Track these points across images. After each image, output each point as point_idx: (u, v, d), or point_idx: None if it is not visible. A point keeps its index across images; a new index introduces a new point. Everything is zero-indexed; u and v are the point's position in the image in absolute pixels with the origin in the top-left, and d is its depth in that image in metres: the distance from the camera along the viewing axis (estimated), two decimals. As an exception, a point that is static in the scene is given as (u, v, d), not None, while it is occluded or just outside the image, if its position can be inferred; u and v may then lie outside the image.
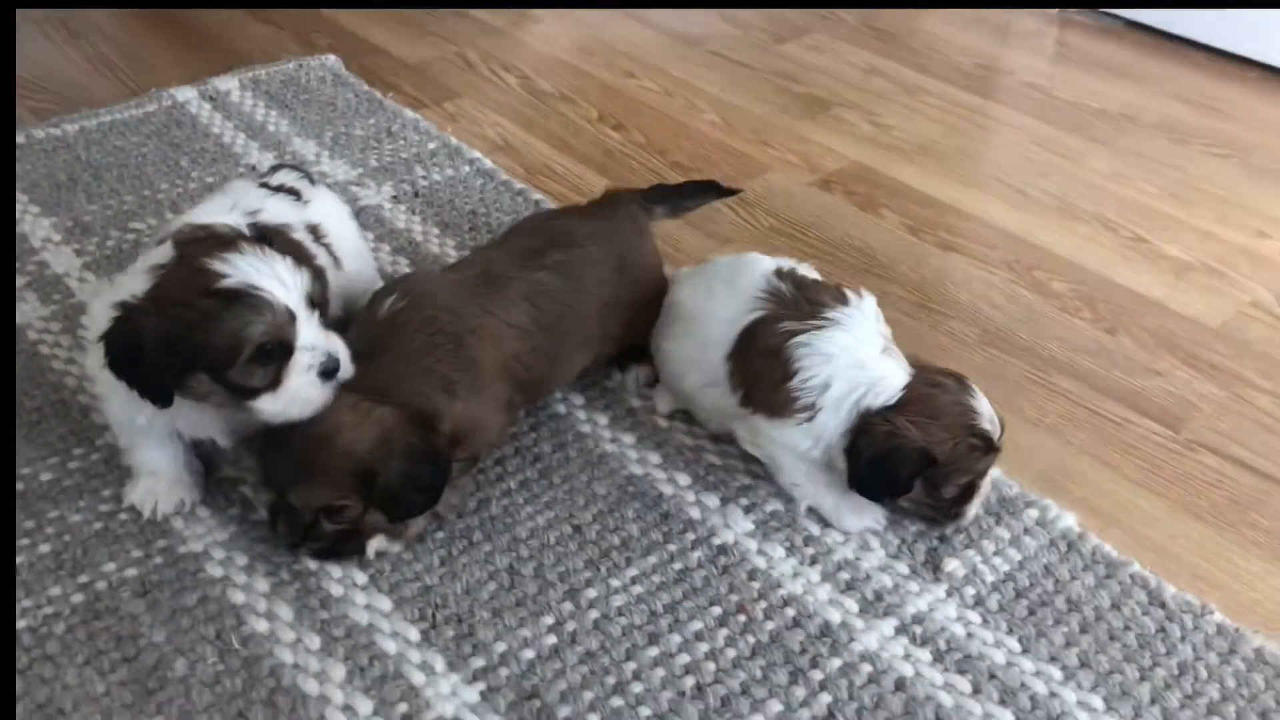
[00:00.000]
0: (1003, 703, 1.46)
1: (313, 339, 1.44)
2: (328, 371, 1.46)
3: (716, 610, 1.57)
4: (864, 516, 1.68)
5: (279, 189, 1.81)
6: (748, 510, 1.71)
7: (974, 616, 1.57)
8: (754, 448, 1.72)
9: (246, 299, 1.38)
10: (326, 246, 1.78)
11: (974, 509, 1.66)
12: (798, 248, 2.28)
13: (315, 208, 1.83)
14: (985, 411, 1.62)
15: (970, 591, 1.60)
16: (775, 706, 1.45)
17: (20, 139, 2.51)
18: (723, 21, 3.30)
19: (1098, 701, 1.46)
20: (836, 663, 1.50)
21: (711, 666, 1.49)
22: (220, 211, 1.65)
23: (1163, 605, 1.59)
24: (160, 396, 1.42)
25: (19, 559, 1.57)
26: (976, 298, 2.20)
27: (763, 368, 1.65)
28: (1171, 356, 2.07)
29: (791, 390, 1.63)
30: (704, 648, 1.52)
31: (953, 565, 1.64)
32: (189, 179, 2.41)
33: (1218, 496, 1.79)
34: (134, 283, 1.45)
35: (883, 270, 2.26)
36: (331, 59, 2.93)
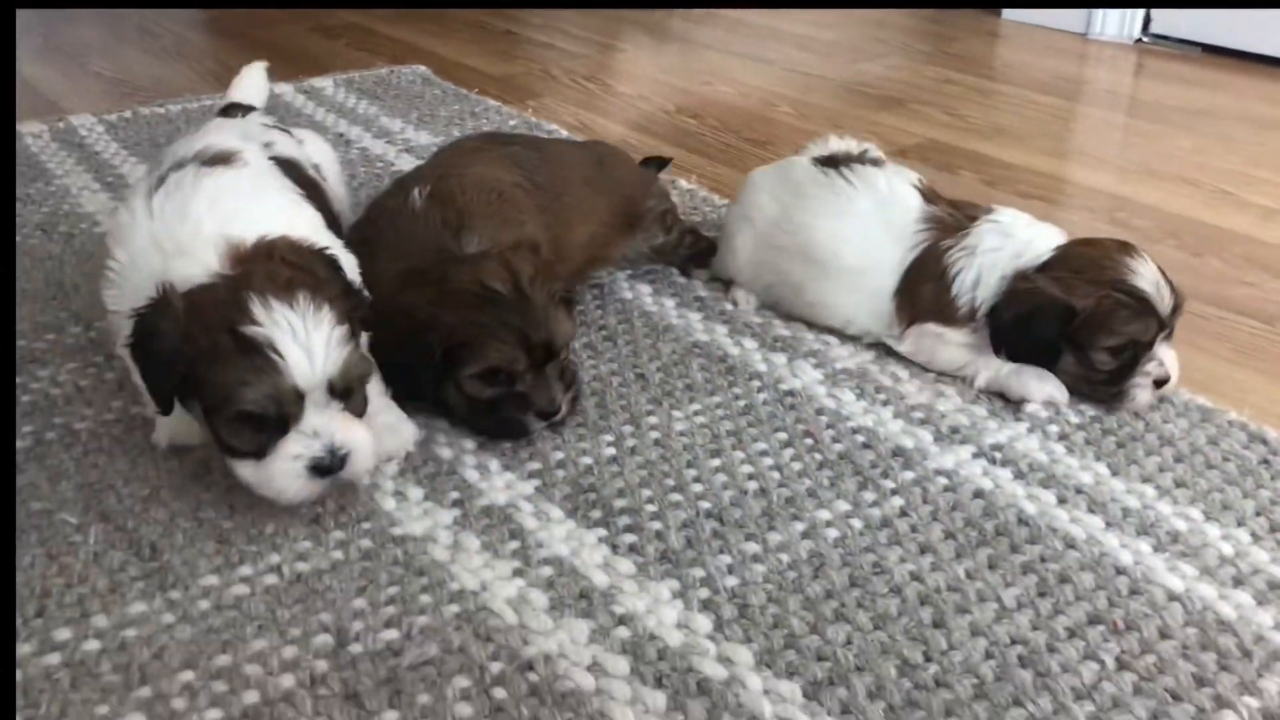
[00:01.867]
0: (1091, 511, 1.36)
1: (316, 426, 1.24)
2: (321, 468, 1.25)
3: (782, 435, 1.50)
4: (1046, 384, 1.56)
5: (276, 128, 1.77)
6: (816, 366, 1.66)
7: (1058, 448, 1.48)
8: (921, 355, 1.65)
9: (258, 357, 1.20)
10: (325, 191, 1.71)
11: (1145, 392, 1.53)
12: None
13: (310, 148, 1.81)
14: (1145, 273, 1.52)
15: (1054, 429, 1.52)
16: (842, 506, 1.37)
17: (127, 114, 2.66)
18: (798, 49, 3.39)
19: (1196, 513, 1.35)
20: (909, 475, 1.42)
21: (776, 475, 1.42)
22: (233, 139, 1.56)
23: (1264, 442, 1.48)
24: (162, 401, 1.27)
25: None
26: (1056, 231, 2.15)
27: (929, 291, 1.62)
28: (1263, 273, 1.99)
29: (956, 299, 1.59)
30: (768, 461, 1.45)
31: (1032, 407, 1.55)
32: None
33: (1321, 375, 1.68)
34: (191, 261, 1.28)
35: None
36: (421, 67, 3.07)
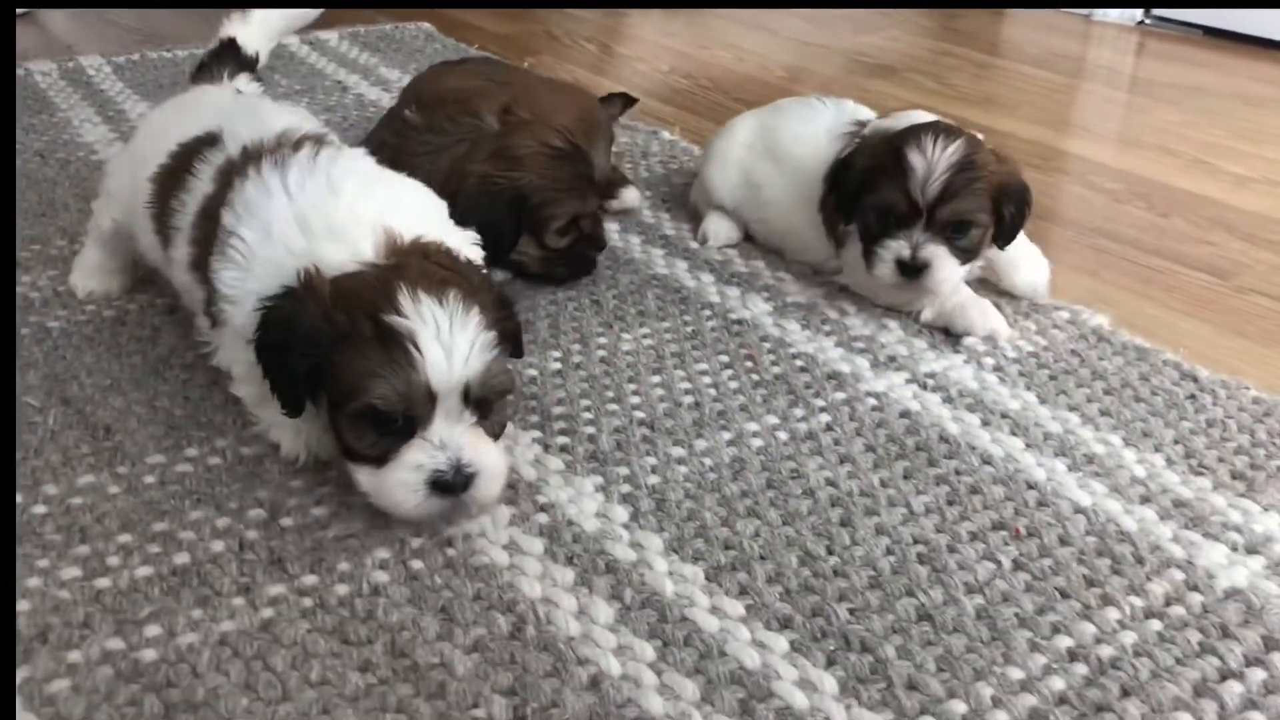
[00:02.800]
0: (1013, 434, 1.40)
1: (444, 437, 1.12)
2: (443, 484, 1.12)
3: (724, 358, 1.55)
4: (989, 318, 1.60)
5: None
6: (768, 299, 1.71)
7: (991, 378, 1.52)
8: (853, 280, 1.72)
9: (396, 349, 1.09)
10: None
11: (885, 265, 1.57)
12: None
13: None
14: (922, 151, 1.54)
15: (989, 361, 1.56)
16: (771, 420, 1.41)
17: (136, 57, 2.73)
18: (803, 21, 3.43)
19: (1116, 439, 1.39)
20: (840, 395, 1.47)
21: (712, 391, 1.47)
22: (289, 118, 1.42)
23: (1195, 379, 1.52)
24: (291, 400, 1.17)
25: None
26: (1027, 190, 2.18)
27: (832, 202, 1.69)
28: (1226, 234, 2.02)
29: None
30: (706, 379, 1.50)
31: (971, 340, 1.60)
32: (277, 85, 2.57)
33: (1268, 324, 1.71)
34: (342, 245, 1.18)
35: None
36: (425, 24, 3.13)
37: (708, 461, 1.33)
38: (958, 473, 1.32)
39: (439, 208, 1.35)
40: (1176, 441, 1.39)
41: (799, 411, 1.43)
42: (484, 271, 1.27)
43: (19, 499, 1.23)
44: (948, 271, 1.57)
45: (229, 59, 1.69)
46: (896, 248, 1.56)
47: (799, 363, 1.54)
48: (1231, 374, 1.54)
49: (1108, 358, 1.56)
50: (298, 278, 1.14)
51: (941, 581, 1.15)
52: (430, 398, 1.11)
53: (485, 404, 1.15)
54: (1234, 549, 1.21)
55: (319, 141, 1.33)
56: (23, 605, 1.09)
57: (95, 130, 2.28)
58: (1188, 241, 1.98)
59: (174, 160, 1.41)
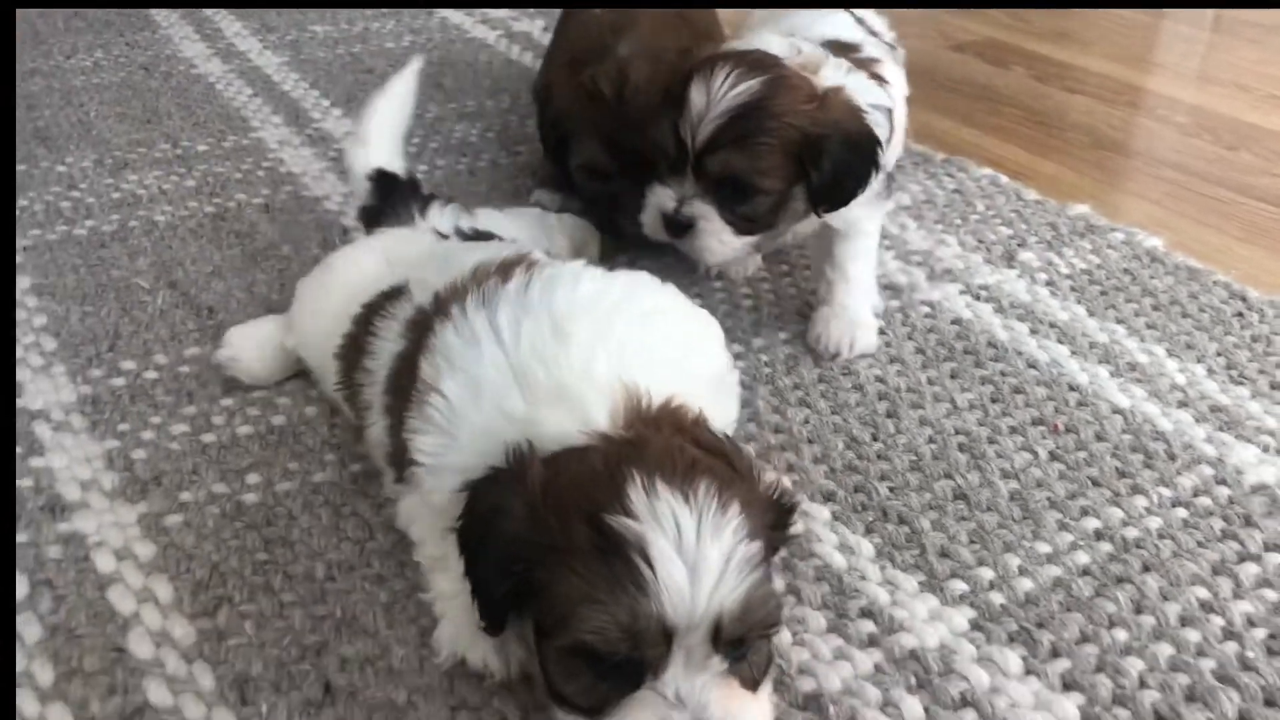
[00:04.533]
0: (1060, 342, 1.46)
1: (684, 690, 0.81)
2: None
3: (784, 267, 1.62)
4: (844, 337, 1.41)
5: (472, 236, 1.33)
6: (830, 214, 1.77)
7: (1043, 291, 1.57)
8: None
9: (621, 563, 0.79)
10: None
11: (649, 212, 1.36)
12: (919, 87, 2.34)
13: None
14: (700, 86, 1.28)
15: (1043, 277, 1.61)
16: (828, 322, 1.48)
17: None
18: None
19: (1160, 350, 1.44)
20: (895, 303, 1.53)
21: (771, 297, 1.54)
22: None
23: (1244, 299, 1.56)
24: (491, 615, 0.88)
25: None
26: (1096, 122, 2.21)
27: None
28: (1293, 167, 2.03)
29: None
30: (766, 285, 1.57)
31: (1027, 256, 1.65)
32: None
33: (1327, 255, 1.74)
34: (569, 412, 0.89)
35: (1002, 100, 2.30)
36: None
37: (764, 358, 1.41)
38: (1003, 374, 1.38)
39: (703, 343, 1.05)
40: (1219, 354, 1.43)
41: (853, 316, 1.50)
42: (746, 452, 0.94)
43: (131, 365, 1.35)
44: (711, 239, 1.31)
45: (399, 195, 1.40)
46: (662, 196, 1.33)
47: (856, 273, 1.60)
48: (1285, 297, 1.58)
49: (1159, 277, 1.61)
50: (506, 457, 0.86)
51: (979, 467, 1.22)
52: (666, 635, 0.80)
53: (741, 645, 0.83)
54: (1265, 450, 1.26)
55: (529, 265, 1.04)
56: (138, 454, 1.22)
57: (194, 46, 2.40)
58: (1252, 173, 2.00)
59: (355, 327, 1.16)
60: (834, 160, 1.27)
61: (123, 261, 1.57)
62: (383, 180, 1.41)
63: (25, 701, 0.93)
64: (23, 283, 1.52)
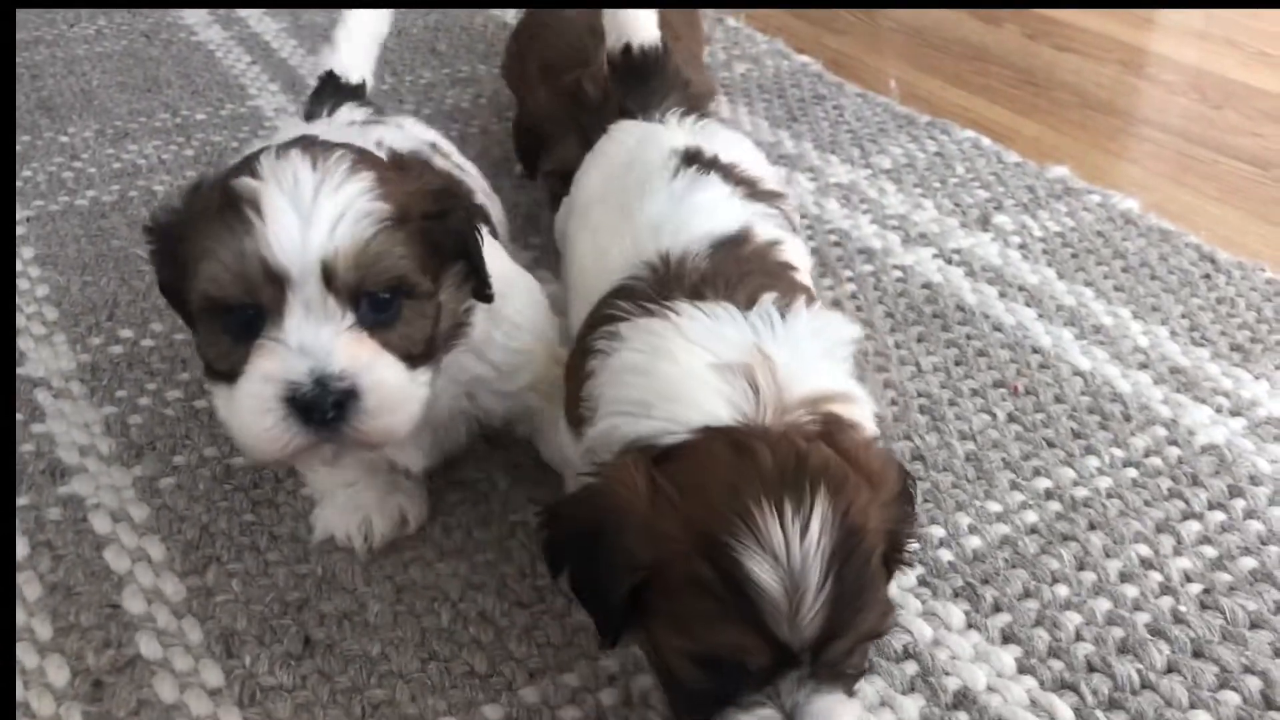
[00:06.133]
0: (1027, 305, 1.49)
1: (301, 339, 0.83)
2: (302, 403, 0.83)
3: (764, 231, 1.66)
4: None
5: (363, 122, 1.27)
6: (811, 179, 1.80)
7: (1015, 255, 1.61)
8: None
9: (233, 215, 0.83)
10: (459, 167, 1.28)
11: None
12: (913, 46, 2.36)
13: (410, 128, 1.33)
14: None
15: (1016, 240, 1.64)
16: (802, 286, 1.52)
17: None
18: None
19: (1125, 312, 1.48)
20: (869, 268, 1.57)
21: (749, 260, 1.59)
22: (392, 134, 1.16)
23: (1212, 260, 1.59)
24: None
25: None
26: (1084, 81, 2.23)
27: None
28: (1275, 126, 2.04)
29: None
30: (745, 249, 1.61)
31: (1002, 220, 1.68)
32: None
33: (1302, 215, 1.76)
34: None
35: (991, 59, 2.31)
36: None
37: (737, 321, 1.45)
38: (968, 337, 1.43)
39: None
40: (1184, 316, 1.47)
41: (828, 281, 1.54)
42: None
43: (129, 334, 1.41)
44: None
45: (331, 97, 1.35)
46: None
47: (833, 238, 1.64)
48: (1252, 257, 1.61)
49: (1131, 239, 1.64)
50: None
51: (938, 429, 1.27)
52: (277, 280, 0.83)
53: (367, 295, 0.85)
54: (1218, 410, 1.30)
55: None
56: (134, 419, 1.28)
57: (195, 13, 2.43)
58: (1235, 133, 2.02)
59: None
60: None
61: (122, 232, 1.63)
62: (327, 82, 1.38)
63: (25, 654, 1.00)
64: (26, 254, 1.58)
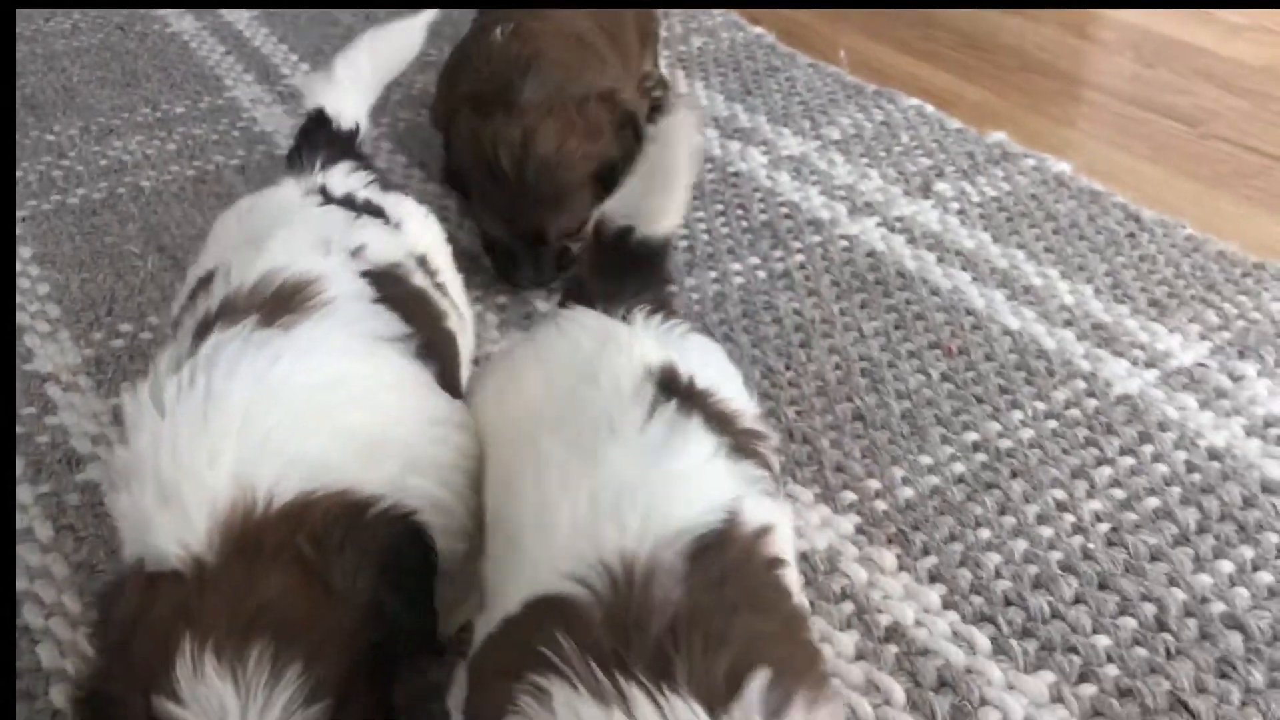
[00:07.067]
0: (963, 269, 1.61)
1: None
2: None
3: (719, 207, 1.77)
4: None
5: (363, 208, 1.17)
6: (765, 152, 1.91)
7: (954, 221, 1.72)
8: None
9: None
10: (440, 287, 1.18)
11: None
12: (862, 14, 2.45)
13: (410, 227, 1.21)
14: None
15: (955, 206, 1.75)
16: (753, 260, 1.64)
17: None
18: None
19: (1054, 272, 1.60)
20: (817, 239, 1.69)
21: (705, 237, 1.70)
22: (311, 251, 1.04)
23: (1137, 219, 1.70)
24: None
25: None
26: (1025, 44, 2.33)
27: None
28: (1205, 83, 2.15)
29: None
30: (701, 225, 1.72)
31: (942, 186, 1.79)
32: None
33: (1223, 169, 1.88)
34: (179, 521, 0.79)
35: (937, 23, 2.41)
36: None
37: (694, 296, 1.57)
38: (907, 302, 1.54)
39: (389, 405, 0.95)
40: (1108, 274, 1.59)
41: (778, 253, 1.65)
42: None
43: (128, 328, 1.52)
44: None
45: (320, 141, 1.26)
46: None
47: (784, 210, 1.75)
48: (1175, 214, 1.72)
49: (1063, 201, 1.75)
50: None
51: (877, 390, 1.39)
52: None
53: None
54: (1134, 363, 1.42)
55: (288, 304, 0.97)
56: (140, 409, 1.38)
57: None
58: (1167, 91, 2.13)
59: None
60: None
61: (114, 228, 1.73)
62: (315, 120, 1.28)
63: (59, 628, 1.12)
64: (25, 253, 1.68)
